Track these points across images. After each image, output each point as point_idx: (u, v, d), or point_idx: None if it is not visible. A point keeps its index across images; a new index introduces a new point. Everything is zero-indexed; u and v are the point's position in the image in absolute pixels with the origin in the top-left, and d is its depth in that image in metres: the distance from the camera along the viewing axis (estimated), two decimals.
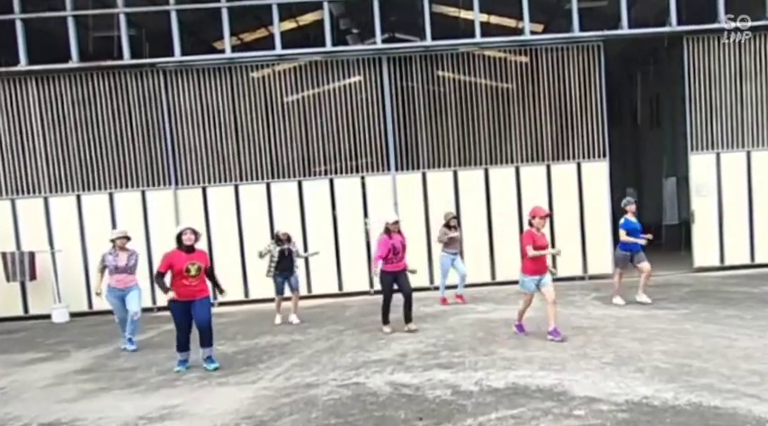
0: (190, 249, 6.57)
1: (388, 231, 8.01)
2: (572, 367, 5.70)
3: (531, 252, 6.87)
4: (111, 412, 5.29)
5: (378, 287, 11.72)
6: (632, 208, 9.08)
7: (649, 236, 9.02)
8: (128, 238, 8.06)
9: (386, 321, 8.18)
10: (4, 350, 8.76)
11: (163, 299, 11.42)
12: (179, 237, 6.58)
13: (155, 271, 6.72)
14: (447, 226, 9.88)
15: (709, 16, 11.86)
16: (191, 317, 6.59)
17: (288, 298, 9.56)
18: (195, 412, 5.11)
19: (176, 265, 6.46)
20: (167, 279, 6.60)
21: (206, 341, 6.67)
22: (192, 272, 6.48)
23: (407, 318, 8.13)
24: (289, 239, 9.39)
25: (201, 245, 11.52)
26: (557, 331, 6.89)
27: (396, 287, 8.06)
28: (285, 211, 11.88)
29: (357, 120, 12.14)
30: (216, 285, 7.01)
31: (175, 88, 11.80)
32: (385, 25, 12.92)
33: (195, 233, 6.63)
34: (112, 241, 8.00)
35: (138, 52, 11.81)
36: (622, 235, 8.99)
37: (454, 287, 10.30)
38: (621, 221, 9.08)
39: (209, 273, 6.86)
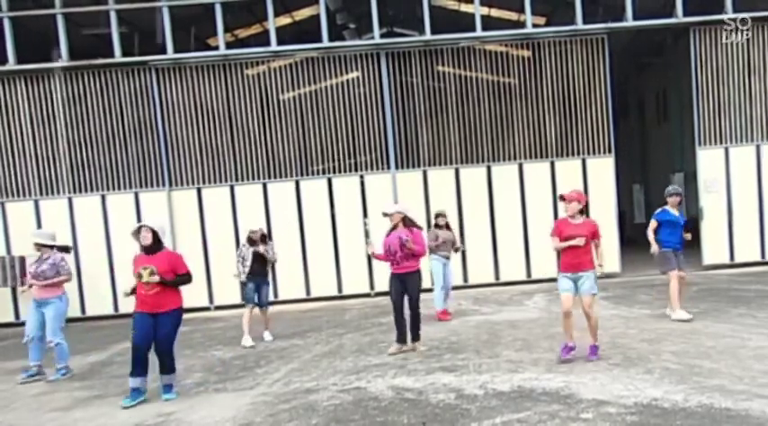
0: (149, 250, 5.62)
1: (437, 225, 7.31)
2: (579, 369, 5.57)
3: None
4: (106, 421, 5.20)
5: (378, 289, 11.62)
6: (674, 200, 7.72)
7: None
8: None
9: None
10: None
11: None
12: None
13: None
14: (436, 226, 8.81)
15: (717, 6, 11.60)
16: (152, 334, 5.58)
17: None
18: (191, 420, 5.01)
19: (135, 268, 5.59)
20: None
21: (164, 366, 5.69)
22: (144, 278, 5.48)
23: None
24: (264, 239, 8.22)
25: (197, 248, 11.50)
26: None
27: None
28: (282, 212, 11.66)
29: (355, 118, 11.91)
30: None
31: (168, 86, 11.58)
32: (383, 19, 12.79)
33: (154, 231, 5.62)
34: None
35: (130, 50, 11.58)
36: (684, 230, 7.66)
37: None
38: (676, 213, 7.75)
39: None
